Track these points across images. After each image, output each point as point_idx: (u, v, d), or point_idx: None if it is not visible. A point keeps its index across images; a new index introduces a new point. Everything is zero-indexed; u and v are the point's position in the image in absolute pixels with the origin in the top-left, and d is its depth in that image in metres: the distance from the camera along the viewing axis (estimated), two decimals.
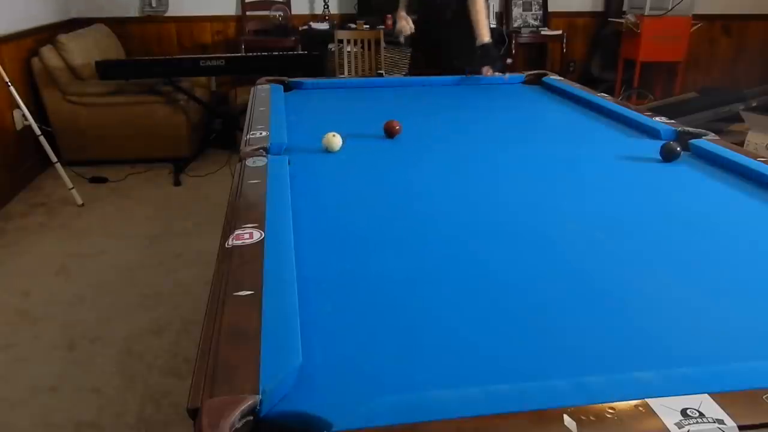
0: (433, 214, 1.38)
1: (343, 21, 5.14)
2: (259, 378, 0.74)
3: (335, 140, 1.80)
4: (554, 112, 2.32)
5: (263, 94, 2.37)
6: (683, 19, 4.90)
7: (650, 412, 0.70)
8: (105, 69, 3.98)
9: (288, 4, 5.03)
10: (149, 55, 4.94)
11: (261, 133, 1.81)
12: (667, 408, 0.70)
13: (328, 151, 1.80)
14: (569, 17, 5.40)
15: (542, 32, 5.16)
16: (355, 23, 4.93)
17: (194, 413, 0.69)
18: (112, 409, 2.02)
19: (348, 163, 1.74)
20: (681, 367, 0.80)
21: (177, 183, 4.07)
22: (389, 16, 4.95)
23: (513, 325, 0.93)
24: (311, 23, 5.02)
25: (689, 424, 0.68)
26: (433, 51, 3.39)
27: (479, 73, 2.88)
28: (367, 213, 1.39)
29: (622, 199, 1.47)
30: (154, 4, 4.99)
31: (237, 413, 0.68)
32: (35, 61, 4.06)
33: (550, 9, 5.26)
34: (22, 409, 2.02)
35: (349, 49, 4.54)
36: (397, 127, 1.94)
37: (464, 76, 2.85)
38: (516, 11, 5.21)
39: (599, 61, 5.44)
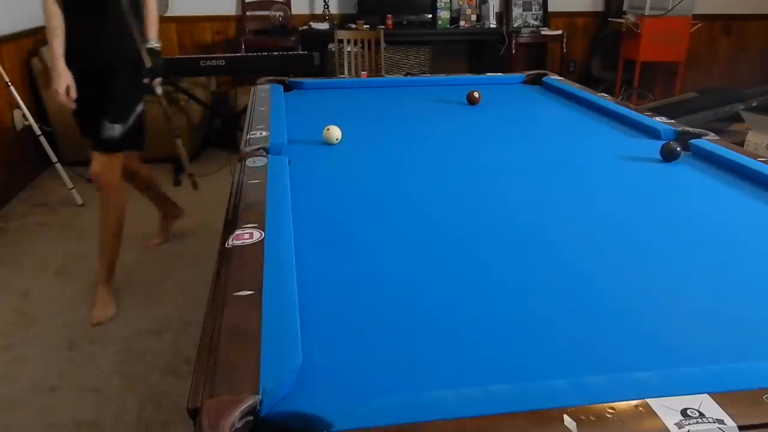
0: (433, 213, 1.38)
1: (343, 21, 5.14)
2: (259, 378, 0.74)
3: (333, 131, 1.84)
4: (554, 112, 2.32)
5: (263, 94, 2.37)
6: (683, 19, 4.90)
7: (650, 412, 0.70)
8: None
9: (288, 4, 5.03)
10: None
11: (261, 133, 1.81)
12: (667, 408, 0.70)
13: (328, 140, 1.84)
14: (569, 17, 5.41)
15: (542, 32, 5.16)
16: (355, 23, 4.93)
17: (194, 413, 0.69)
18: (112, 409, 2.02)
19: (348, 162, 1.74)
20: (681, 367, 0.80)
21: (177, 183, 4.07)
22: (390, 16, 4.96)
23: (513, 325, 0.93)
24: (311, 23, 5.02)
25: (689, 424, 0.68)
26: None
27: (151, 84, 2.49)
28: (367, 213, 1.39)
29: (622, 199, 1.47)
30: None
31: (237, 413, 0.68)
32: (35, 61, 4.06)
33: (551, 9, 5.27)
34: (22, 409, 2.02)
35: (349, 49, 4.54)
36: (476, 96, 2.33)
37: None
38: (516, 11, 5.21)
39: (599, 61, 5.44)
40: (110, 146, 2.46)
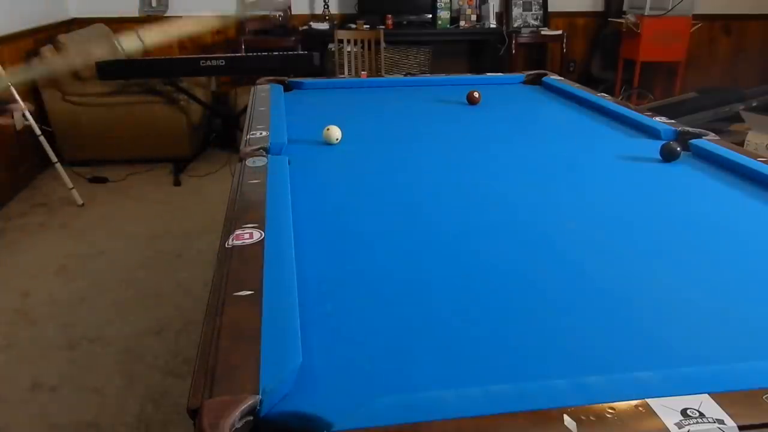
0: (433, 213, 1.38)
1: (343, 21, 5.14)
2: (260, 378, 0.74)
3: (333, 131, 1.84)
4: (554, 112, 2.32)
5: (263, 94, 2.37)
6: (683, 19, 4.90)
7: (650, 412, 0.70)
8: (105, 69, 3.98)
9: (288, 4, 5.03)
10: (149, 55, 4.94)
11: (261, 133, 1.81)
12: (667, 408, 0.70)
13: (328, 140, 1.84)
14: (569, 17, 5.41)
15: (542, 32, 5.16)
16: (355, 23, 4.93)
17: (194, 413, 0.69)
18: (112, 409, 2.02)
19: (348, 162, 1.74)
20: (681, 367, 0.80)
21: (177, 183, 4.07)
22: (390, 16, 4.96)
23: (513, 324, 0.93)
24: (311, 23, 5.02)
25: (689, 424, 0.68)
26: None
27: None
28: (367, 212, 1.39)
29: (622, 199, 1.47)
30: (154, 4, 5.00)
31: (237, 413, 0.68)
32: (35, 61, 4.07)
33: (551, 9, 5.27)
34: (22, 409, 2.02)
35: (349, 49, 4.54)
36: (476, 95, 2.34)
37: None
38: (516, 11, 5.22)
39: (599, 61, 5.44)
40: None
